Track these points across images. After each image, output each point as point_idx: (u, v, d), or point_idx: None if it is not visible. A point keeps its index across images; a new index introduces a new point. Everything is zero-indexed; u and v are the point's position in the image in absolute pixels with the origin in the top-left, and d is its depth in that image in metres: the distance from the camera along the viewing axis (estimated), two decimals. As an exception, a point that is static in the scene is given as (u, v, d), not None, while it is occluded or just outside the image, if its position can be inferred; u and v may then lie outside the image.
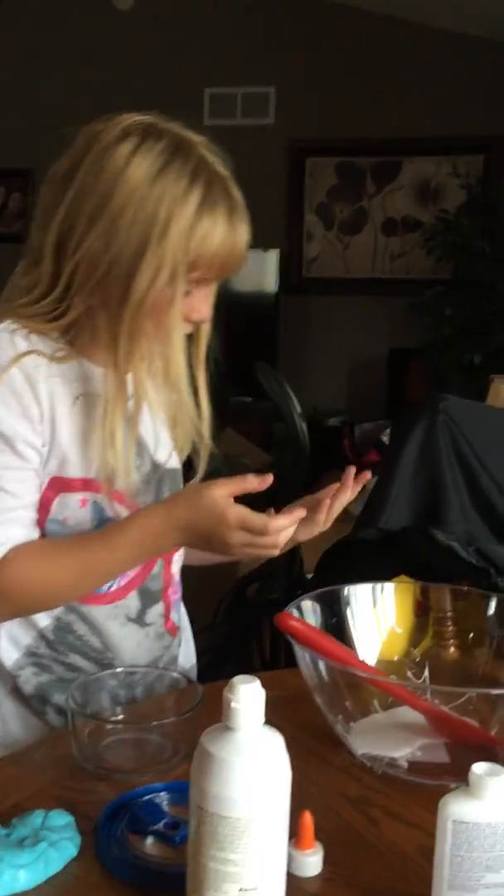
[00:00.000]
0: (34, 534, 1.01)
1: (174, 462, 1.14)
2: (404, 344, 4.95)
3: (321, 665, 0.91)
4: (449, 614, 1.12)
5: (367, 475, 1.13)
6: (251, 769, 0.63)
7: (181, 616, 1.19)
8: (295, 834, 0.74)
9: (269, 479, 0.95)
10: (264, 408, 3.24)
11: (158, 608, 1.12)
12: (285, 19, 5.03)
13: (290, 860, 0.71)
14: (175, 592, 1.16)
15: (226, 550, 0.98)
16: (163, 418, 1.12)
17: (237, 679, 0.65)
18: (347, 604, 1.06)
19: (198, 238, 0.95)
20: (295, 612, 0.96)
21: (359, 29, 4.96)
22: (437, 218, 4.70)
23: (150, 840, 0.78)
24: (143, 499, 1.07)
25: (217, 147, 1.01)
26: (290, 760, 0.66)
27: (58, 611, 1.05)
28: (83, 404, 1.02)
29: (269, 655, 2.14)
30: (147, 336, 0.99)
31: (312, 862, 0.75)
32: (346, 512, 1.17)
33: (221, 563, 1.22)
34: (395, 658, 1.08)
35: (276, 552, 0.99)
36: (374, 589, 1.09)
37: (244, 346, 2.72)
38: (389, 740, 0.93)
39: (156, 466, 1.10)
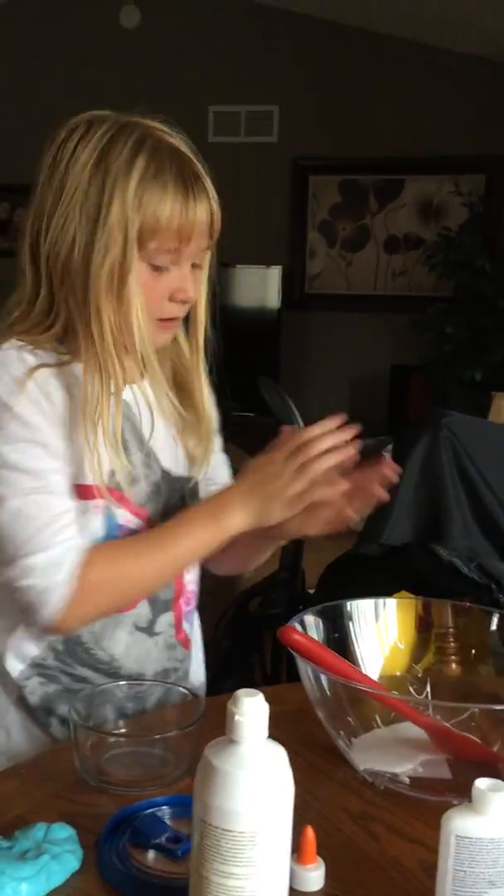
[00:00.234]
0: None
1: (184, 470, 1.14)
2: (406, 360, 4.97)
3: (323, 679, 0.91)
4: (451, 630, 1.12)
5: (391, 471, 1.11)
6: (255, 782, 0.63)
7: (194, 629, 1.19)
8: (297, 849, 0.73)
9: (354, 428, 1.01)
10: (266, 423, 3.24)
11: (168, 618, 1.11)
12: (289, 38, 5.08)
13: (292, 875, 0.71)
14: (188, 603, 1.15)
15: (282, 492, 1.00)
16: (177, 427, 1.12)
17: (241, 692, 0.65)
18: (350, 619, 1.06)
19: (144, 204, 0.97)
20: (297, 627, 0.96)
21: (361, 49, 5.01)
22: (439, 235, 4.74)
23: (151, 854, 0.78)
24: (153, 507, 1.08)
25: (178, 127, 1.03)
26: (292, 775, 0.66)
27: None
28: None
29: (271, 670, 2.13)
30: (110, 313, 0.99)
31: (314, 877, 0.75)
32: (347, 527, 1.17)
33: (257, 561, 1.22)
34: (398, 673, 1.08)
35: (325, 465, 1.00)
36: (376, 604, 1.09)
37: (246, 362, 2.73)
38: (391, 756, 0.92)
39: (165, 475, 1.10)
